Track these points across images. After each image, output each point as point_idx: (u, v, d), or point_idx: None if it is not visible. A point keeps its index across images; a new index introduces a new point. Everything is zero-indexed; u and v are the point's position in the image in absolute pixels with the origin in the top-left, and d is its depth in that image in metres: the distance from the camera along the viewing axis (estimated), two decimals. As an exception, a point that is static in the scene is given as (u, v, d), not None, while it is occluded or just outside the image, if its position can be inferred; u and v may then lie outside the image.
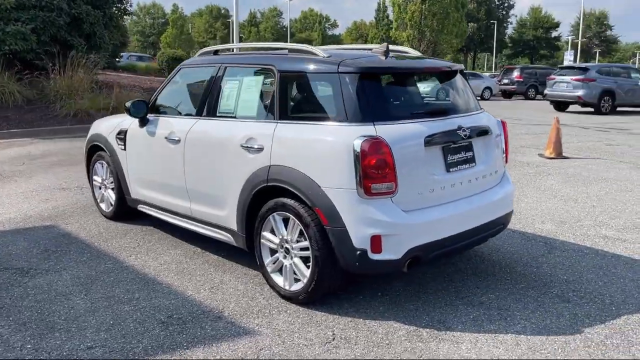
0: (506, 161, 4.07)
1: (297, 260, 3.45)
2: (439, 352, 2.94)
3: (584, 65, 21.34)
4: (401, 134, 3.24)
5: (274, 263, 3.63)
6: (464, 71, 3.98)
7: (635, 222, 5.35)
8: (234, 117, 3.93)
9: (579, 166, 8.29)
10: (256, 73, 3.91)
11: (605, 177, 7.45)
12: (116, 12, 15.61)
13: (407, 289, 3.73)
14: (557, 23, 76.28)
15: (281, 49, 4.04)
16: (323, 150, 3.27)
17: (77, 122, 12.12)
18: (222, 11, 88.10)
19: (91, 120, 12.32)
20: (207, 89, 4.17)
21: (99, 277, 3.96)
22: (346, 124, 3.24)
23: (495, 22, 66.59)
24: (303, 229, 3.34)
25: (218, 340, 3.07)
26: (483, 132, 3.74)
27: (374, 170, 3.11)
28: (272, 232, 3.60)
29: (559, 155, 8.89)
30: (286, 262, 3.53)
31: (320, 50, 3.63)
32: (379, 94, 3.38)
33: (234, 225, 3.86)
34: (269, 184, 3.49)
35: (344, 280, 3.43)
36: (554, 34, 77.04)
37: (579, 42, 50.18)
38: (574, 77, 18.92)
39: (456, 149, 3.51)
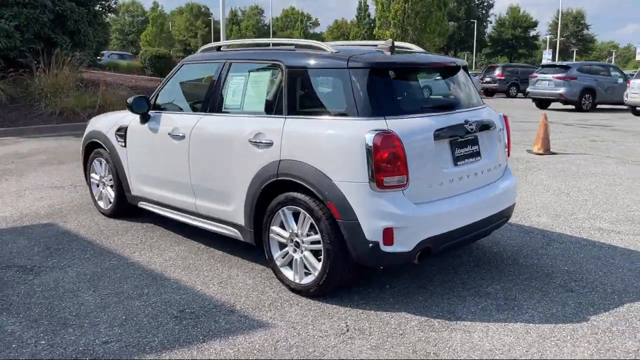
0: (508, 155, 4.16)
1: (307, 254, 3.49)
2: (452, 341, 3.00)
3: (565, 63, 21.74)
4: (411, 128, 3.30)
5: (283, 257, 3.66)
6: (467, 67, 4.05)
7: (627, 214, 5.49)
8: (241, 113, 3.94)
9: (567, 161, 8.46)
10: (263, 69, 3.93)
11: (593, 172, 7.62)
12: (100, 9, 15.44)
13: (414, 281, 3.79)
14: (535, 22, 77.38)
15: (288, 44, 4.07)
16: (335, 145, 3.30)
17: (62, 121, 11.99)
18: (203, 9, 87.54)
19: (77, 118, 12.32)
20: (211, 85, 4.18)
21: (105, 274, 3.95)
22: (357, 118, 3.28)
23: (475, 21, 67.30)
24: (314, 223, 3.38)
25: (233, 333, 3.09)
26: (487, 126, 3.82)
27: (386, 164, 3.16)
28: (282, 226, 3.63)
29: (546, 151, 9.05)
30: (296, 256, 3.56)
31: (328, 46, 3.66)
32: (389, 88, 3.43)
33: (241, 220, 3.88)
34: (279, 178, 3.52)
35: (355, 273, 3.48)
36: (532, 33, 78.13)
37: (558, 41, 50.95)
38: (555, 75, 19.25)
39: (463, 142, 3.58)
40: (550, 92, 19.32)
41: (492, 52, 77.87)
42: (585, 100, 19.07)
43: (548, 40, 65.63)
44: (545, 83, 19.55)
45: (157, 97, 4.71)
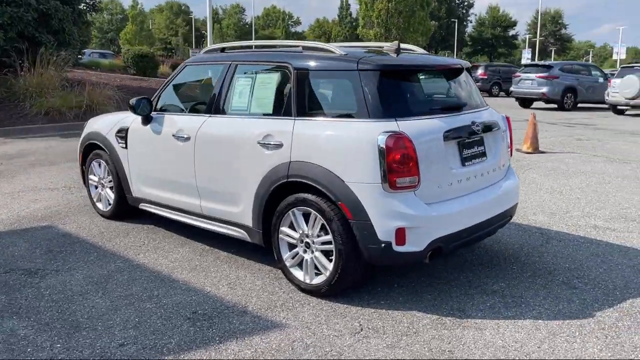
0: (510, 155, 4.24)
1: (318, 254, 3.52)
2: (465, 338, 3.07)
3: (548, 63, 22.07)
4: (422, 129, 3.35)
5: (292, 258, 3.69)
6: (470, 68, 4.12)
7: (620, 212, 5.62)
8: (248, 114, 3.96)
9: (556, 160, 8.62)
10: (270, 70, 3.94)
11: (582, 170, 7.78)
12: (85, 8, 15.24)
13: (421, 280, 3.84)
14: (514, 22, 78.43)
15: (294, 46, 4.09)
16: (346, 146, 3.34)
17: (49, 121, 11.83)
18: (183, 7, 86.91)
19: (64, 118, 12.18)
20: (217, 87, 4.18)
21: (112, 276, 3.93)
22: (368, 120, 3.32)
23: (456, 20, 67.91)
24: (325, 223, 3.41)
25: (249, 334, 3.11)
26: (492, 127, 3.89)
27: (399, 165, 3.20)
28: (291, 227, 3.65)
29: (535, 150, 9.21)
30: (307, 256, 3.59)
31: (336, 48, 3.70)
32: (399, 90, 3.48)
33: (249, 222, 3.89)
34: (289, 179, 3.54)
35: (365, 272, 3.52)
36: (512, 32, 79.13)
37: (537, 41, 51.66)
38: (538, 75, 19.55)
39: (470, 143, 3.65)
40: (533, 91, 19.61)
41: (473, 51, 78.67)
42: (567, 99, 19.40)
43: (527, 39, 66.54)
44: (528, 82, 19.83)
45: (159, 99, 4.69)
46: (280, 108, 3.75)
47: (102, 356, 2.89)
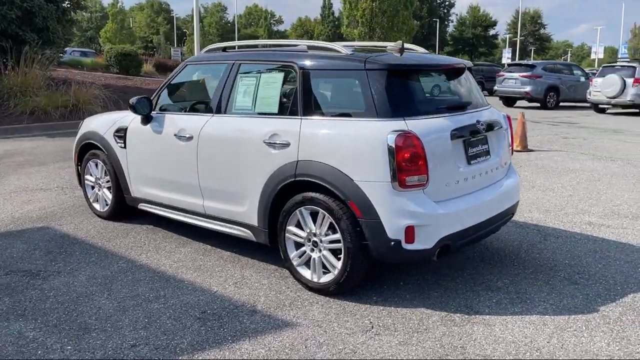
0: (511, 153, 4.30)
1: (326, 253, 3.53)
2: (476, 334, 3.11)
3: (531, 62, 22.36)
4: (430, 128, 3.39)
5: (299, 257, 3.69)
6: (471, 68, 4.17)
7: (613, 209, 5.74)
8: (252, 114, 3.95)
9: (546, 158, 8.75)
10: (275, 70, 3.94)
11: (572, 168, 7.91)
12: (69, 5, 15.03)
13: (426, 278, 3.88)
14: (494, 22, 79.10)
15: (299, 45, 4.09)
16: (355, 145, 3.36)
17: (34, 120, 11.65)
18: (164, 5, 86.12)
19: (49, 118, 12.01)
20: (219, 86, 4.16)
21: (116, 277, 3.90)
22: (377, 119, 3.34)
23: (437, 20, 68.35)
24: (334, 222, 3.43)
25: (261, 333, 3.12)
26: (494, 125, 3.94)
27: (408, 164, 3.23)
28: (298, 226, 3.66)
29: (524, 148, 9.33)
30: (314, 255, 3.60)
31: (342, 47, 3.71)
32: (406, 89, 3.50)
33: (254, 221, 3.89)
34: (297, 178, 3.55)
35: (373, 270, 3.55)
36: (492, 32, 79.89)
37: (518, 40, 52.28)
38: (521, 74, 19.79)
39: (475, 142, 3.69)
40: (517, 90, 19.85)
41: (454, 50, 79.19)
42: (550, 98, 19.67)
43: (507, 39, 67.28)
44: (511, 81, 20.07)
45: (159, 98, 4.66)
46: (286, 107, 3.75)
47: (115, 357, 2.87)
